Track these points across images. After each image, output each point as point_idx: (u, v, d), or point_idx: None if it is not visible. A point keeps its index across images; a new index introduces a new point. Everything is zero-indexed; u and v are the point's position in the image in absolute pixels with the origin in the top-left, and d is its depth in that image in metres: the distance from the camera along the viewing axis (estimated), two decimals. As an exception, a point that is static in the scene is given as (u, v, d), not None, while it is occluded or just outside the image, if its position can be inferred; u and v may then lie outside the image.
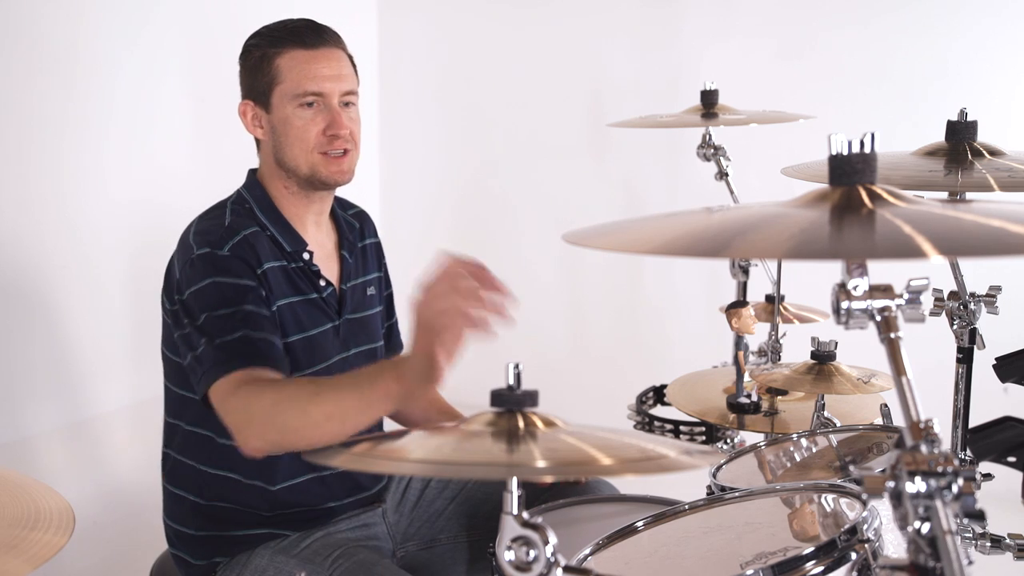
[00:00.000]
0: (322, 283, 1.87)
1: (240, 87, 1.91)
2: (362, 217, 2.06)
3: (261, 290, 1.75)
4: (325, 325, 1.87)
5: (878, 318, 0.95)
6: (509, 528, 0.99)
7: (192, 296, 1.72)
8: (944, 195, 1.67)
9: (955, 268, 1.83)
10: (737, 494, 1.49)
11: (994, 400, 1.82)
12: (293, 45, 1.82)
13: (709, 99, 2.55)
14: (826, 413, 1.96)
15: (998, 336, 1.89)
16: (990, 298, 1.83)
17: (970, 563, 1.00)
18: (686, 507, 1.46)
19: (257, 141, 1.91)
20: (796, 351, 2.21)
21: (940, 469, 0.89)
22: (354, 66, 1.90)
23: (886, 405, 1.92)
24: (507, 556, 0.99)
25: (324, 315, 1.87)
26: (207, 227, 1.80)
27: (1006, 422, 1.48)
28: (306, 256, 1.85)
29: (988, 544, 1.70)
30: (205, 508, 1.85)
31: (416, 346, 1.41)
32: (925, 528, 0.89)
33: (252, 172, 1.93)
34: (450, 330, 1.36)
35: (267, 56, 1.83)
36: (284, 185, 1.87)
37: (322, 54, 1.83)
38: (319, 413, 1.50)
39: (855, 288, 0.95)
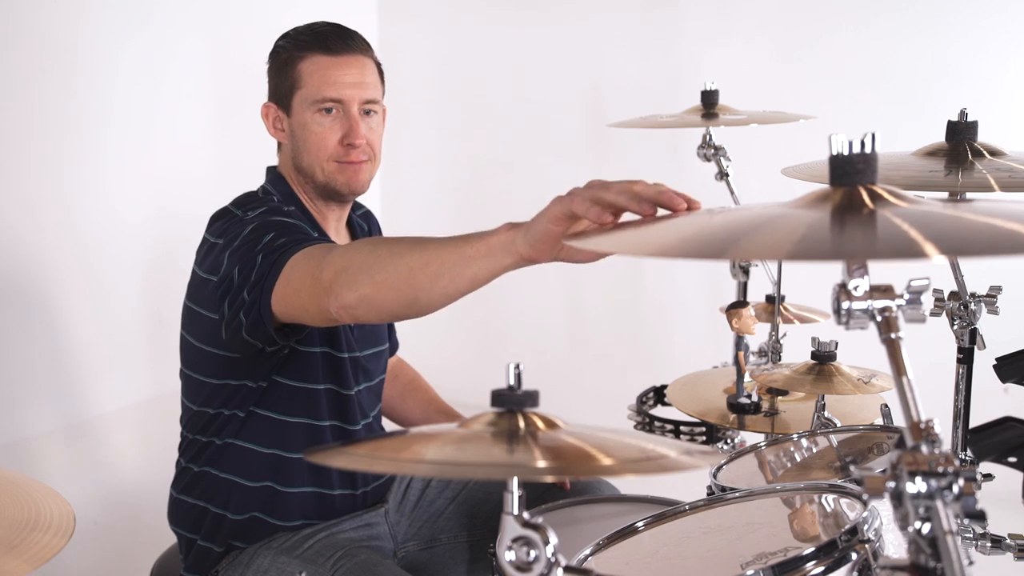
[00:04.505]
0: None
1: (268, 87, 1.90)
2: (369, 218, 2.07)
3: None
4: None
5: (879, 318, 0.95)
6: (510, 528, 0.99)
7: (251, 231, 1.64)
8: (944, 195, 1.66)
9: (955, 268, 1.83)
10: (737, 494, 1.49)
11: (995, 400, 1.82)
12: (317, 50, 1.80)
13: (709, 99, 2.55)
14: (826, 413, 1.96)
15: (998, 336, 1.89)
16: (990, 298, 1.83)
17: (971, 563, 1.00)
18: (686, 507, 1.46)
19: (278, 143, 1.90)
20: (796, 351, 2.21)
21: (941, 469, 0.89)
22: (381, 75, 1.88)
23: (886, 405, 1.92)
24: (508, 556, 0.99)
25: None
26: (256, 204, 1.77)
27: (1006, 422, 1.48)
28: None
29: (988, 544, 1.70)
30: (222, 481, 1.84)
31: (543, 211, 1.25)
32: (926, 528, 0.89)
33: (272, 168, 1.92)
34: (581, 205, 1.21)
35: (291, 59, 1.82)
36: (303, 190, 1.87)
37: (345, 61, 1.81)
38: (416, 259, 1.34)
39: (855, 288, 0.95)
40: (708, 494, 1.55)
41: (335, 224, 1.91)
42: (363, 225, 2.03)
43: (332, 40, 1.81)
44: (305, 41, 1.82)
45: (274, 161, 1.94)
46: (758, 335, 2.32)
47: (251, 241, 1.62)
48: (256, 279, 1.57)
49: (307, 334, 1.77)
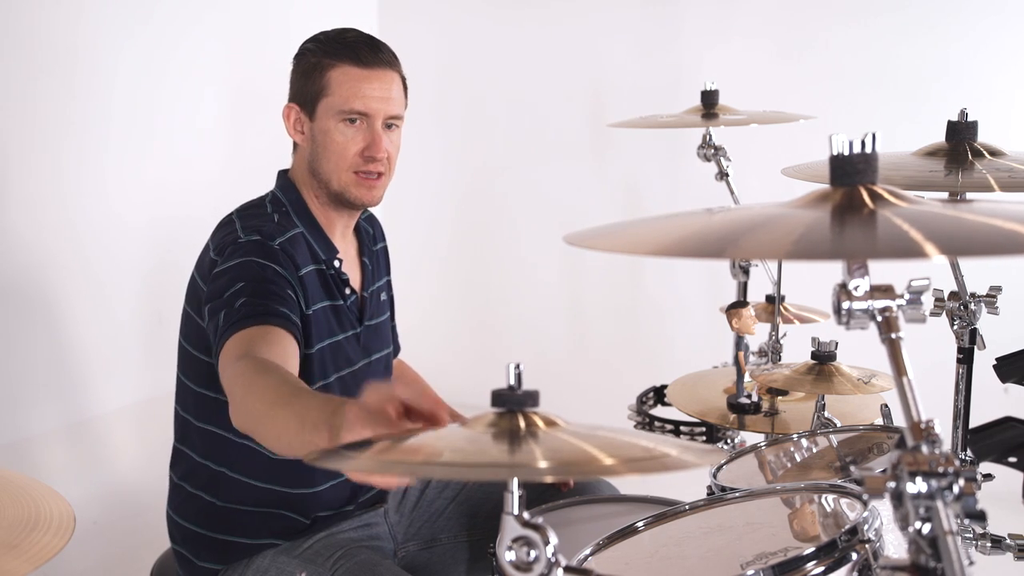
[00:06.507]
0: (347, 291, 1.88)
1: (289, 87, 1.89)
2: (373, 221, 2.07)
3: (296, 289, 1.74)
4: (348, 332, 1.87)
5: (879, 318, 0.95)
6: (510, 528, 0.99)
7: (231, 269, 1.70)
8: (944, 195, 1.66)
9: (955, 268, 1.83)
10: (738, 494, 1.49)
11: (995, 400, 1.82)
12: (348, 60, 1.81)
13: (709, 99, 2.55)
14: (826, 413, 1.96)
15: (998, 336, 1.89)
16: (990, 298, 1.83)
17: (971, 563, 1.00)
18: (686, 507, 1.46)
19: (294, 144, 1.90)
20: (796, 351, 2.21)
21: (941, 469, 0.89)
22: (406, 88, 1.88)
23: (887, 405, 1.92)
24: (508, 556, 0.98)
25: (348, 322, 1.88)
26: (257, 223, 1.79)
27: (1007, 422, 1.48)
28: (336, 264, 1.86)
29: (989, 544, 1.70)
30: (220, 509, 1.85)
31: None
32: (926, 528, 0.89)
33: (283, 173, 1.92)
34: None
35: (320, 65, 1.82)
36: (315, 194, 1.87)
37: (375, 74, 1.82)
38: (272, 431, 1.38)
39: (856, 288, 0.95)
40: (708, 494, 1.55)
41: (342, 230, 1.91)
42: (368, 229, 2.03)
43: (363, 51, 1.82)
44: (336, 49, 1.82)
45: (278, 162, 1.94)
46: (758, 335, 2.32)
47: (222, 291, 1.68)
48: (216, 337, 1.63)
49: (315, 337, 1.78)
